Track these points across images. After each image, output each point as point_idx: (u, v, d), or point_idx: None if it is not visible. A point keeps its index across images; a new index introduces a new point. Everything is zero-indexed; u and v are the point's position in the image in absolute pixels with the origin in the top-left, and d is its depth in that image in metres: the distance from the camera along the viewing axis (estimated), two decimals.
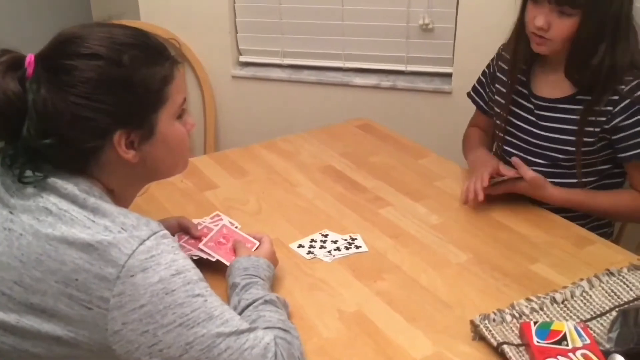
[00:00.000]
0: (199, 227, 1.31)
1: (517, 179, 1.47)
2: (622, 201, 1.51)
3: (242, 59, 2.61)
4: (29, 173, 0.93)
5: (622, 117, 1.42)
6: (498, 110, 1.66)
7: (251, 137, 2.09)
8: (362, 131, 1.96)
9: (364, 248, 1.35)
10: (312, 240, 1.38)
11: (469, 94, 1.80)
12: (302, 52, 2.54)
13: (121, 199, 1.03)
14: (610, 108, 1.43)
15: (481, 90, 1.76)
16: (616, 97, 1.42)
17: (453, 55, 2.30)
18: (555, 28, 1.40)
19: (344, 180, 1.65)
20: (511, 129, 1.62)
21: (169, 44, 1.04)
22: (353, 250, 1.34)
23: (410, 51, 2.39)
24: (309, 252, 1.34)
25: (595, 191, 1.54)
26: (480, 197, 1.45)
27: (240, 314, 1.02)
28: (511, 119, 1.62)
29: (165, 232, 0.93)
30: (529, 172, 1.46)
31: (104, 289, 0.85)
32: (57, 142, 0.90)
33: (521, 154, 1.58)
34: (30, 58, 0.92)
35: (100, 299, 0.85)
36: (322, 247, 1.35)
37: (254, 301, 1.05)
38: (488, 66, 1.74)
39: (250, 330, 0.94)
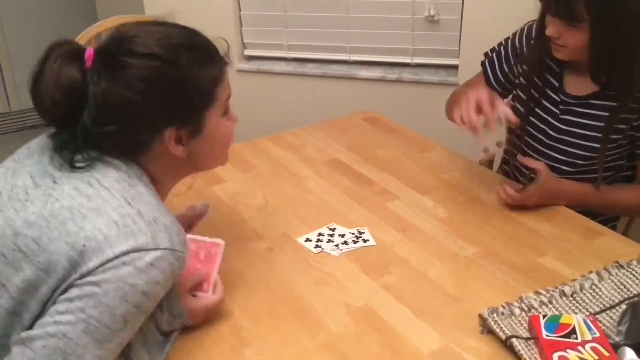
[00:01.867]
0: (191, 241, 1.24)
1: (527, 184, 1.44)
2: (634, 196, 1.50)
3: (247, 52, 2.60)
4: (78, 158, 0.96)
5: None
6: (521, 95, 1.61)
7: (256, 131, 2.08)
8: (368, 124, 1.95)
9: (372, 242, 1.35)
10: (320, 234, 1.37)
11: (482, 64, 1.72)
12: (307, 45, 2.53)
13: (161, 187, 1.07)
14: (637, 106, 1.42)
15: (496, 64, 1.67)
16: None
17: (459, 47, 2.29)
18: (565, 38, 1.38)
19: (350, 173, 1.64)
20: (532, 118, 1.58)
21: (218, 43, 1.07)
22: (360, 244, 1.34)
23: (415, 43, 2.38)
24: (317, 246, 1.33)
25: (605, 186, 1.51)
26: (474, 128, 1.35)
27: None
28: (534, 107, 1.57)
29: (182, 255, 0.95)
30: (540, 163, 1.45)
31: (95, 260, 0.88)
32: (112, 131, 0.95)
33: (538, 146, 1.57)
34: (90, 51, 0.96)
35: (85, 267, 0.88)
36: (329, 240, 1.35)
37: None
38: (512, 40, 1.63)
39: None
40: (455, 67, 2.32)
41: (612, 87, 1.45)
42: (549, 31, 1.39)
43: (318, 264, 1.28)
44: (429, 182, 1.59)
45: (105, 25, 2.37)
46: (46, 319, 0.88)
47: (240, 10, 2.52)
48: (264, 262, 1.29)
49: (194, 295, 1.10)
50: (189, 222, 1.31)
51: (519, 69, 1.62)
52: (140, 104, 0.96)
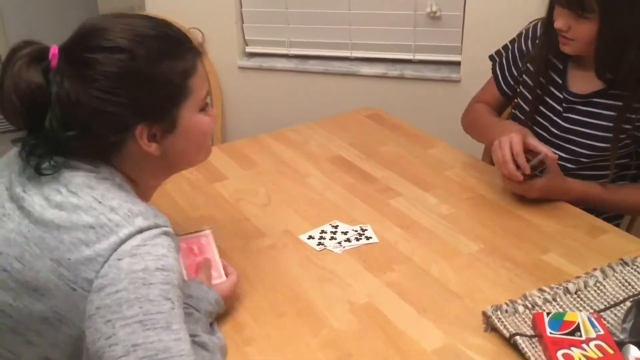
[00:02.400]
0: (181, 240, 1.24)
1: (535, 175, 1.42)
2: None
3: (249, 49, 2.60)
4: (45, 165, 0.93)
5: None
6: (525, 93, 1.61)
7: (258, 128, 2.08)
8: (371, 121, 1.94)
9: (375, 239, 1.34)
10: (322, 232, 1.37)
11: (493, 70, 1.71)
12: (309, 42, 2.52)
13: (143, 189, 1.04)
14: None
15: (505, 69, 1.67)
16: None
17: (461, 43, 2.28)
18: (574, 30, 1.37)
19: (353, 170, 1.64)
20: (536, 117, 1.58)
21: (192, 34, 1.03)
22: (363, 241, 1.34)
23: (417, 40, 2.37)
24: (319, 244, 1.33)
25: (610, 185, 1.50)
26: (519, 177, 1.38)
27: None
28: (539, 105, 1.57)
29: (169, 230, 0.92)
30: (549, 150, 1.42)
31: (90, 271, 0.85)
32: (79, 134, 0.91)
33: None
34: (54, 50, 0.92)
35: (85, 280, 0.85)
36: (332, 238, 1.35)
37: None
38: (517, 43, 1.64)
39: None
40: (458, 63, 2.31)
41: (618, 85, 1.44)
42: (558, 24, 1.38)
43: (321, 262, 1.28)
44: (432, 178, 1.59)
45: None
46: (99, 345, 0.83)
47: (241, 7, 2.52)
48: (267, 259, 1.29)
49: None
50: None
51: (524, 67, 1.62)
52: (107, 103, 0.91)
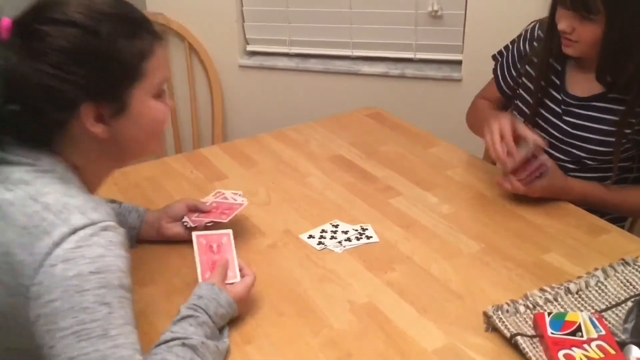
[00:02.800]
0: (201, 236, 1.26)
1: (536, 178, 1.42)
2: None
3: (249, 48, 2.59)
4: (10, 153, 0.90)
5: None
6: (525, 96, 1.60)
7: (259, 127, 2.08)
8: (372, 120, 1.94)
9: (375, 238, 1.34)
10: (323, 231, 1.36)
11: (494, 70, 1.71)
12: (310, 40, 2.52)
13: (90, 178, 0.99)
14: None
15: (505, 69, 1.67)
16: None
17: (463, 42, 2.28)
18: (578, 32, 1.37)
19: (353, 169, 1.63)
20: (537, 120, 1.57)
21: (155, 21, 1.00)
22: (364, 240, 1.33)
23: (419, 38, 2.36)
24: (320, 243, 1.33)
25: (612, 186, 1.49)
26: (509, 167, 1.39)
27: (156, 346, 0.95)
28: (538, 108, 1.57)
29: (109, 224, 0.87)
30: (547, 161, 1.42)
31: (25, 277, 0.82)
32: (22, 110, 0.87)
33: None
34: (5, 22, 0.89)
35: (22, 286, 0.83)
36: (332, 237, 1.34)
37: (172, 339, 0.94)
38: (517, 43, 1.64)
39: None
40: (459, 62, 2.31)
41: (617, 89, 1.43)
42: (562, 25, 1.37)
43: (321, 261, 1.27)
44: (432, 178, 1.58)
45: None
46: (45, 352, 0.82)
47: (242, 6, 2.51)
48: (267, 258, 1.29)
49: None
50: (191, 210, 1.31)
51: (523, 69, 1.61)
52: (55, 78, 0.87)
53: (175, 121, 2.61)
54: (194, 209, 1.32)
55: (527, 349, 1.00)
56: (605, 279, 1.17)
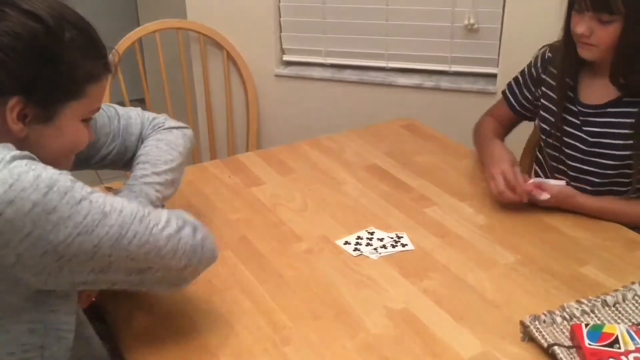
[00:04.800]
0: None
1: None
2: None
3: (286, 58, 2.63)
4: None
5: None
6: (546, 115, 1.62)
7: (293, 136, 2.11)
8: (406, 131, 1.95)
9: (410, 246, 1.35)
10: (359, 238, 1.38)
11: (503, 92, 1.76)
12: (345, 51, 2.54)
13: None
14: None
15: (516, 90, 1.71)
16: None
17: (498, 55, 2.28)
18: (597, 35, 1.38)
19: (388, 179, 1.65)
20: (560, 135, 1.59)
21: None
22: (399, 248, 1.35)
23: (454, 51, 2.38)
24: (356, 249, 1.34)
25: (629, 199, 1.49)
26: (517, 197, 1.45)
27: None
28: (561, 124, 1.58)
29: (15, 153, 0.85)
30: (554, 188, 1.45)
31: None
32: None
33: (568, 161, 1.56)
34: None
35: None
36: (368, 244, 1.36)
37: None
38: (529, 67, 1.68)
39: (148, 210, 0.94)
40: (494, 75, 2.31)
41: (632, 92, 1.44)
42: (580, 29, 1.39)
43: (357, 267, 1.29)
44: (467, 189, 1.59)
45: (147, 29, 2.42)
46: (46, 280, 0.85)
47: (280, 17, 2.55)
48: (304, 263, 1.31)
49: None
50: None
51: (539, 92, 1.64)
52: None
53: (211, 128, 2.65)
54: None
55: (564, 359, 1.01)
56: None
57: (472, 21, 2.27)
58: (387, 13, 2.41)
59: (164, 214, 0.96)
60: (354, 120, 2.37)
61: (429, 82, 2.40)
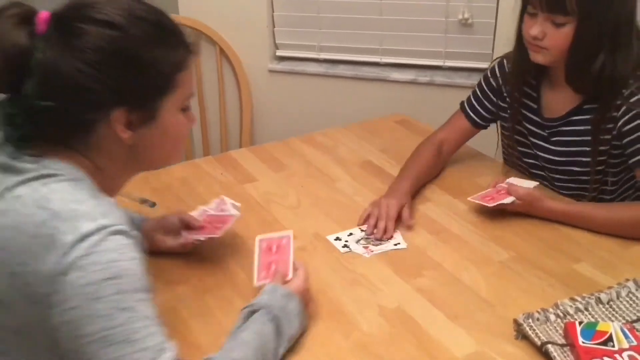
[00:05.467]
0: (202, 214, 1.32)
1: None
2: (625, 212, 1.38)
3: (279, 53, 2.61)
4: (20, 153, 0.89)
5: (623, 121, 1.38)
6: (508, 126, 1.61)
7: (286, 132, 2.09)
8: (400, 127, 1.95)
9: (402, 245, 1.35)
10: (350, 234, 1.38)
11: (462, 108, 1.70)
12: (339, 46, 2.53)
13: (108, 180, 0.98)
14: (615, 114, 1.39)
15: (477, 106, 1.66)
16: (619, 102, 1.38)
17: (493, 50, 2.27)
18: (550, 38, 1.36)
19: (382, 175, 1.64)
20: (523, 149, 1.59)
21: (186, 25, 1.00)
22: (390, 247, 1.34)
23: (448, 46, 2.37)
24: (345, 246, 1.34)
25: (596, 203, 1.48)
26: (389, 234, 1.38)
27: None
28: (519, 138, 1.58)
29: (120, 227, 0.86)
30: (520, 190, 1.41)
31: (42, 285, 0.82)
32: (54, 107, 0.86)
33: (539, 173, 1.57)
34: (44, 15, 0.88)
35: (40, 294, 0.82)
36: (358, 241, 1.35)
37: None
38: (486, 79, 1.65)
39: None
40: None
41: (591, 99, 1.43)
42: (534, 31, 1.37)
43: (351, 265, 1.28)
44: (462, 185, 1.59)
45: None
46: (75, 357, 0.83)
47: (273, 11, 2.54)
48: (297, 261, 1.30)
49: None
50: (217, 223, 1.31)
51: (501, 103, 1.62)
52: (89, 78, 0.86)
53: (204, 124, 2.63)
54: (187, 225, 1.30)
55: (557, 358, 1.00)
56: (637, 289, 1.16)
57: (466, 16, 2.26)
58: (381, 8, 2.39)
59: None
60: (348, 115, 2.35)
61: (423, 77, 2.39)
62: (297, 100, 2.61)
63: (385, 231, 1.37)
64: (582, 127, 1.46)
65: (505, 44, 2.20)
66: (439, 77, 2.37)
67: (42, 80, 0.86)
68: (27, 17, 0.87)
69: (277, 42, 2.60)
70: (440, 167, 1.66)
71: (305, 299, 1.12)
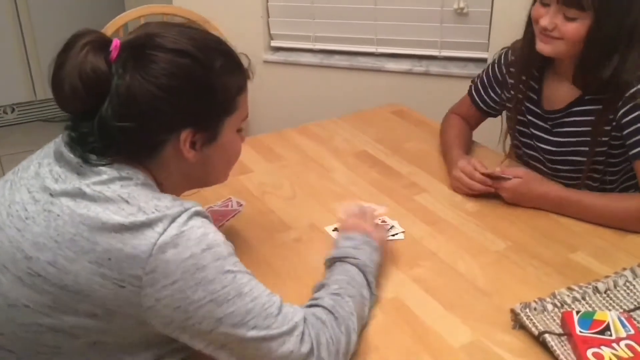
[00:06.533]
0: (206, 209, 1.31)
1: (505, 179, 1.41)
2: (621, 202, 1.37)
3: (274, 43, 2.60)
4: (92, 157, 0.93)
5: (623, 112, 1.38)
6: (510, 115, 1.61)
7: (282, 122, 2.08)
8: (396, 117, 1.94)
9: (400, 236, 1.34)
10: None
11: (469, 92, 1.72)
12: (334, 37, 2.52)
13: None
14: (615, 105, 1.39)
15: (482, 91, 1.68)
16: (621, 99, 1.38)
17: (488, 40, 2.27)
18: (561, 29, 1.35)
19: (378, 165, 1.63)
20: (525, 139, 1.58)
21: (241, 57, 1.06)
22: (389, 237, 1.33)
23: (444, 36, 2.36)
24: None
25: (595, 192, 1.47)
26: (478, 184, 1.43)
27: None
28: (521, 128, 1.58)
29: (198, 209, 0.93)
30: (519, 170, 1.42)
31: (136, 268, 0.86)
32: (130, 127, 0.92)
33: (538, 165, 1.57)
34: (116, 42, 0.94)
35: (133, 277, 0.86)
36: None
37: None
38: (492, 68, 1.66)
39: (280, 308, 0.94)
40: (484, 60, 2.30)
41: (593, 91, 1.42)
42: (544, 21, 1.36)
43: None
44: None
45: (132, 14, 2.38)
46: (175, 326, 0.89)
47: (267, 1, 2.52)
48: (293, 252, 1.29)
49: None
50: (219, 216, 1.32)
51: (505, 94, 1.62)
52: (163, 102, 0.92)
53: None
54: None
55: (555, 347, 1.00)
56: (634, 278, 1.16)
57: (461, 5, 2.26)
58: None
59: (297, 316, 0.95)
60: (343, 106, 2.34)
61: (418, 67, 2.38)
62: (292, 91, 2.60)
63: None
64: (582, 118, 1.45)
65: (501, 34, 2.20)
66: (435, 67, 2.36)
67: (120, 103, 0.91)
68: (103, 44, 0.93)
69: (271, 32, 2.58)
70: (471, 135, 1.72)
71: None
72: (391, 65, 2.42)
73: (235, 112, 1.02)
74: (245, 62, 1.04)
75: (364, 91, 2.47)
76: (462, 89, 2.31)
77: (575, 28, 1.33)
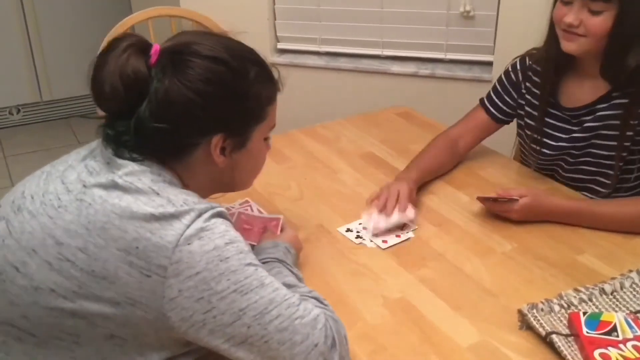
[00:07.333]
0: (235, 213, 1.34)
1: (513, 201, 1.37)
2: (630, 207, 1.36)
3: (280, 45, 2.61)
4: (126, 154, 0.96)
5: None
6: (531, 122, 1.59)
7: (288, 124, 2.08)
8: (401, 119, 1.95)
9: (411, 233, 1.35)
10: (360, 224, 1.38)
11: (482, 103, 1.69)
12: (340, 39, 2.53)
13: None
14: None
15: (497, 100, 1.65)
16: None
17: (494, 43, 2.27)
18: (586, 25, 1.35)
19: (384, 167, 1.64)
20: (547, 140, 1.56)
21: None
22: (410, 234, 1.35)
23: (450, 39, 2.37)
24: (358, 237, 1.34)
25: (600, 200, 1.47)
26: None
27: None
28: (546, 129, 1.56)
29: (222, 210, 0.96)
30: (521, 189, 1.40)
31: (162, 257, 0.88)
32: (166, 129, 0.95)
33: (554, 167, 1.57)
34: (156, 47, 0.97)
35: (159, 266, 0.88)
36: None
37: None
38: (506, 74, 1.64)
39: (300, 300, 0.96)
40: (490, 63, 2.31)
41: (620, 86, 1.42)
42: (569, 18, 1.36)
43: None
44: (464, 177, 1.59)
45: (139, 16, 2.38)
46: (195, 319, 0.90)
47: (274, 4, 2.53)
48: (301, 252, 1.30)
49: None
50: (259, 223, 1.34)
51: (522, 99, 1.61)
52: (199, 107, 0.96)
53: None
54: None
55: (562, 348, 1.01)
56: None
57: (467, 8, 2.26)
58: (382, 0, 2.39)
59: (315, 309, 0.97)
60: (349, 108, 2.35)
61: (424, 69, 2.39)
62: (298, 93, 2.60)
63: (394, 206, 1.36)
64: (609, 113, 1.44)
65: (507, 37, 2.21)
66: (440, 70, 2.37)
67: (158, 105, 0.94)
68: (144, 48, 0.96)
69: (278, 34, 2.59)
70: (454, 163, 1.64)
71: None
72: (397, 67, 2.43)
73: (264, 121, 1.05)
74: (276, 75, 1.08)
75: (370, 93, 2.48)
76: (467, 91, 2.33)
77: (601, 21, 1.34)
